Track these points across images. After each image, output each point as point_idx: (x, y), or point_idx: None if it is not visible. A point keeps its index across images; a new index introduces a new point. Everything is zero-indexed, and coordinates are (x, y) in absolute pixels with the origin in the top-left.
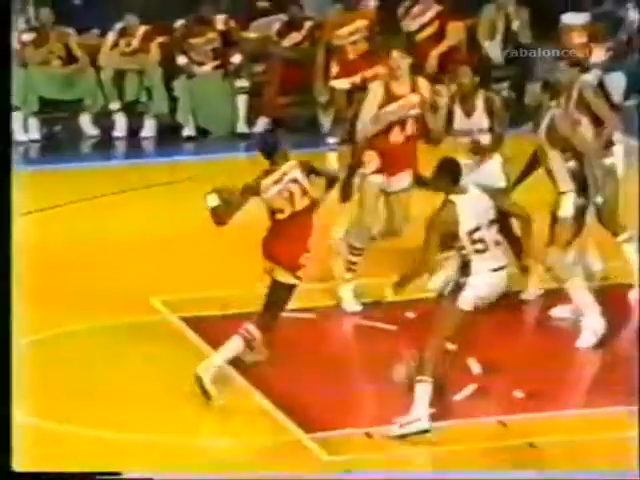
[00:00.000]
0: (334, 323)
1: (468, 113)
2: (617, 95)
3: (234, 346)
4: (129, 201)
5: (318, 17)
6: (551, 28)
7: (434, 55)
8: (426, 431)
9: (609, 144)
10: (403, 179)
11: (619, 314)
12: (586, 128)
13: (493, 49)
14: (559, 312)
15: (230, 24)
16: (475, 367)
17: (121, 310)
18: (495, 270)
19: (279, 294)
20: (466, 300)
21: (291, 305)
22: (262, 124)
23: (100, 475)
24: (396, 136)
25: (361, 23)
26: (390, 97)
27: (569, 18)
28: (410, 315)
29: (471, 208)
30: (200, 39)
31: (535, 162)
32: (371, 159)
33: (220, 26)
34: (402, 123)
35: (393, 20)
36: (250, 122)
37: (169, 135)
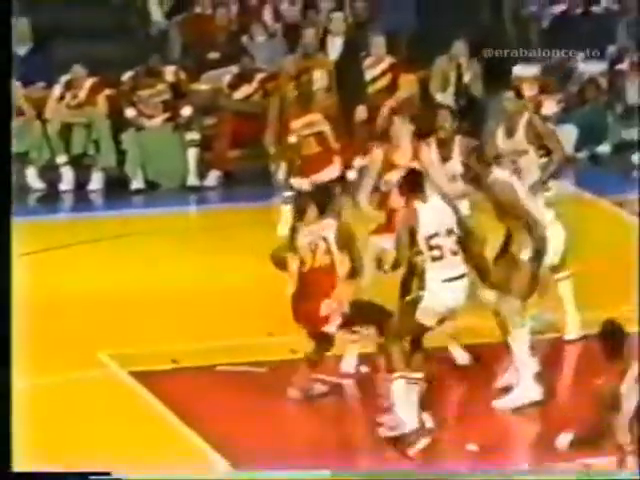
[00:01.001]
0: (285, 377)
1: (445, 159)
2: (568, 147)
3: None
4: (77, 255)
5: (270, 68)
6: (503, 80)
7: (386, 108)
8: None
9: (555, 175)
10: None
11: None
12: (532, 159)
13: (445, 101)
14: (506, 380)
15: (180, 76)
16: (428, 422)
17: (69, 364)
18: (450, 280)
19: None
20: (423, 313)
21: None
22: (213, 177)
23: (92, 475)
24: (395, 201)
25: (318, 73)
26: (390, 166)
27: (520, 70)
28: (364, 369)
29: (431, 215)
30: (149, 91)
31: None
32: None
33: (170, 78)
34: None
35: (353, 71)
36: (201, 175)
37: (118, 188)
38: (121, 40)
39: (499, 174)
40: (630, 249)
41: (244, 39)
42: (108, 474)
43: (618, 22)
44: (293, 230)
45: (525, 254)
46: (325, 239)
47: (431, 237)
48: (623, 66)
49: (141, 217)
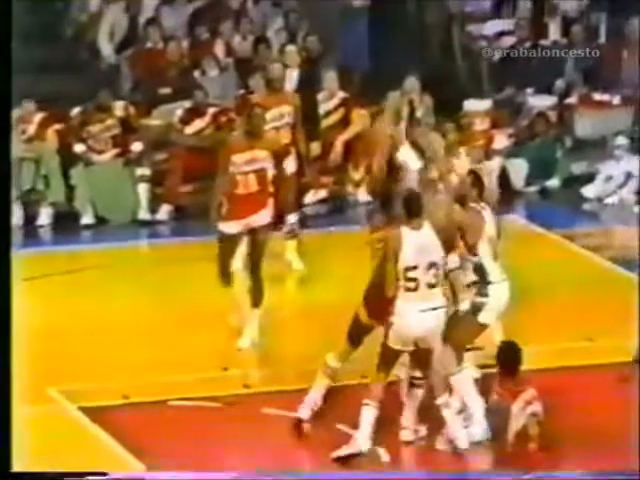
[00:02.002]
0: (238, 412)
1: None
2: (519, 181)
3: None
4: (27, 290)
5: (223, 103)
6: (455, 115)
7: (339, 142)
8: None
9: None
10: None
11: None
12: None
13: (398, 136)
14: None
15: (130, 111)
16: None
17: (18, 399)
18: (423, 311)
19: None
20: (394, 338)
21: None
22: (164, 211)
23: (89, 475)
24: None
25: (286, 108)
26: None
27: (472, 105)
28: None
29: (414, 247)
30: (99, 126)
31: None
32: None
33: (119, 113)
34: None
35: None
36: (152, 209)
37: (67, 223)
38: (71, 75)
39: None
40: (580, 282)
41: (196, 74)
42: (104, 474)
43: (566, 56)
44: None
45: (465, 305)
46: None
47: (408, 269)
48: (572, 100)
49: (91, 252)
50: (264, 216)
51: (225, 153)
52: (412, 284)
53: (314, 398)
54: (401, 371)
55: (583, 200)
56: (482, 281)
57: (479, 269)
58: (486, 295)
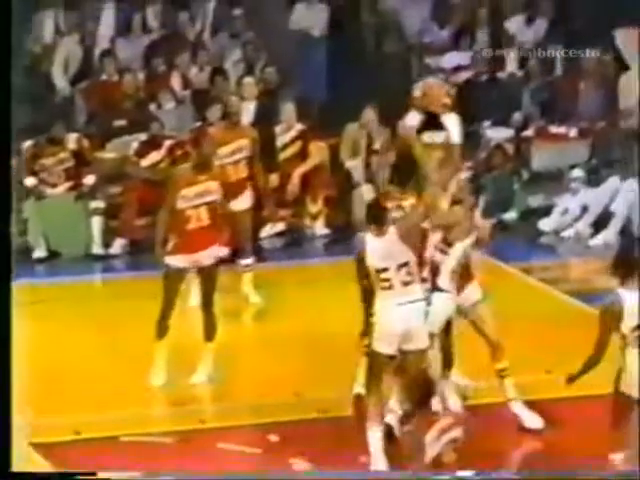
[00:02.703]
0: (193, 447)
1: None
2: (477, 214)
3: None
4: None
5: (179, 135)
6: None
7: (297, 175)
8: None
9: None
10: None
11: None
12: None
13: (357, 169)
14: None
15: (83, 143)
16: None
17: None
18: (401, 304)
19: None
20: (379, 341)
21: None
22: (118, 245)
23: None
24: None
25: (244, 142)
26: None
27: (429, 137)
28: (273, 438)
29: (380, 251)
30: (51, 159)
31: None
32: None
33: (72, 146)
34: None
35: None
36: (106, 243)
37: (20, 257)
38: (24, 107)
39: None
40: (537, 315)
41: (152, 106)
42: (94, 474)
43: (523, 88)
44: None
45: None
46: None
47: (379, 271)
48: (529, 132)
49: (44, 286)
50: (216, 250)
51: (173, 186)
52: (386, 284)
53: None
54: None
55: (540, 233)
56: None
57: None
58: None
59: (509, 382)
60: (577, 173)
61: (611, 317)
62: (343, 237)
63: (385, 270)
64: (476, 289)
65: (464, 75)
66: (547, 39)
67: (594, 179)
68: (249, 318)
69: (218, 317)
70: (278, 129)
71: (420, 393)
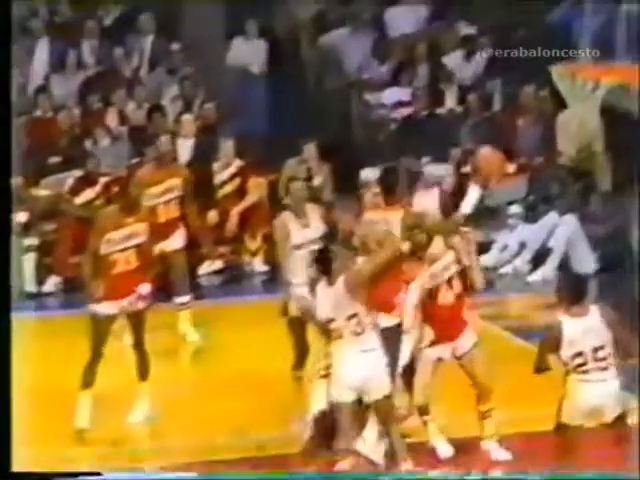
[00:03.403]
0: None
1: None
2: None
3: None
4: None
5: (115, 172)
6: (352, 183)
7: (235, 212)
8: None
9: None
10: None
11: None
12: None
13: (313, 210)
14: None
15: (17, 181)
16: None
17: None
18: (354, 354)
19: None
20: (335, 393)
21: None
22: (52, 283)
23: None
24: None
25: (175, 181)
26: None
27: (368, 173)
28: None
29: (327, 300)
30: None
31: None
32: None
33: None
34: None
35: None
36: (39, 281)
37: None
38: None
39: None
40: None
41: (87, 143)
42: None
43: (462, 124)
44: None
45: None
46: None
47: (328, 322)
48: (467, 168)
49: None
50: (146, 292)
51: (98, 230)
52: (336, 334)
53: None
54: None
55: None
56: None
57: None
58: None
59: (489, 422)
60: (515, 209)
61: (551, 341)
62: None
63: (332, 321)
64: (470, 335)
65: (404, 111)
66: (485, 75)
67: (532, 215)
68: (187, 356)
69: (157, 355)
70: (217, 166)
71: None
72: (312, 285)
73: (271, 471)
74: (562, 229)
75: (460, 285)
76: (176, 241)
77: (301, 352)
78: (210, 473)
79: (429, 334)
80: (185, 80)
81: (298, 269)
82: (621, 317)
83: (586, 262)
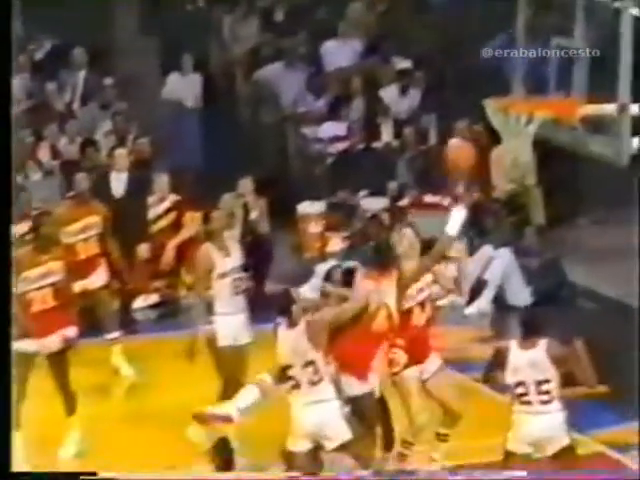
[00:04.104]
0: None
1: None
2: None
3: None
4: None
5: (46, 207)
6: (289, 217)
7: (171, 246)
8: None
9: None
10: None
11: None
12: None
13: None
14: None
15: None
16: None
17: None
18: (307, 404)
19: None
20: (289, 442)
21: None
22: None
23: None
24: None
25: (93, 219)
26: None
27: (305, 207)
28: None
29: (287, 343)
30: None
31: None
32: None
33: None
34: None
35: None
36: None
37: None
38: None
39: None
40: None
41: (19, 178)
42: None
43: (398, 158)
44: None
45: None
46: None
47: (285, 368)
48: (404, 202)
49: None
50: (63, 333)
51: (15, 268)
52: (292, 382)
53: None
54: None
55: None
56: None
57: None
58: None
59: (444, 447)
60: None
61: (499, 356)
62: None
63: (290, 368)
64: (436, 359)
65: (340, 145)
66: (421, 109)
67: (468, 248)
68: (120, 391)
69: (90, 390)
70: (151, 200)
71: None
72: (274, 328)
73: None
74: (497, 262)
75: (431, 309)
76: (98, 278)
77: (229, 383)
78: (210, 473)
79: (402, 357)
80: (118, 115)
81: (223, 298)
82: (571, 350)
83: (521, 295)
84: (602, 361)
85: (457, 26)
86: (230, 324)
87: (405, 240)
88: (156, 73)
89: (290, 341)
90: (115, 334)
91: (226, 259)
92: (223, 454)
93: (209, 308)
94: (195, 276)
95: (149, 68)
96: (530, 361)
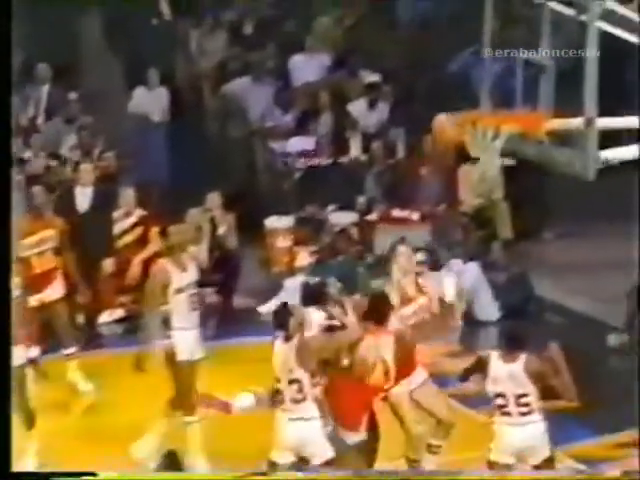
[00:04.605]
0: None
1: None
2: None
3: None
4: None
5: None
6: (257, 232)
7: (137, 262)
8: None
9: None
10: None
11: None
12: None
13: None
14: None
15: None
16: None
17: None
18: (291, 420)
19: None
20: (273, 454)
21: None
22: None
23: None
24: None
25: (49, 232)
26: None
27: (273, 222)
28: None
29: (280, 356)
30: None
31: None
32: None
33: None
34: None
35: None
36: None
37: None
38: None
39: None
40: None
41: None
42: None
43: (366, 172)
44: None
45: None
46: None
47: (276, 380)
48: (372, 216)
49: None
50: (31, 352)
51: None
52: (279, 397)
53: None
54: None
55: None
56: None
57: None
58: None
59: (434, 459)
60: (419, 257)
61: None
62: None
63: (278, 382)
64: (422, 372)
65: (308, 160)
66: (389, 123)
67: (436, 263)
68: (78, 407)
69: (47, 406)
70: (117, 215)
71: None
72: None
73: None
74: (465, 277)
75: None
76: (54, 291)
77: (179, 396)
78: (210, 473)
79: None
80: (83, 129)
81: (180, 313)
82: (550, 365)
83: (489, 310)
84: (570, 375)
85: (424, 40)
86: (187, 339)
87: (401, 257)
88: (122, 87)
89: (282, 355)
90: (72, 349)
91: (183, 274)
92: (171, 469)
93: (166, 323)
94: (151, 291)
95: (115, 82)
96: (510, 374)
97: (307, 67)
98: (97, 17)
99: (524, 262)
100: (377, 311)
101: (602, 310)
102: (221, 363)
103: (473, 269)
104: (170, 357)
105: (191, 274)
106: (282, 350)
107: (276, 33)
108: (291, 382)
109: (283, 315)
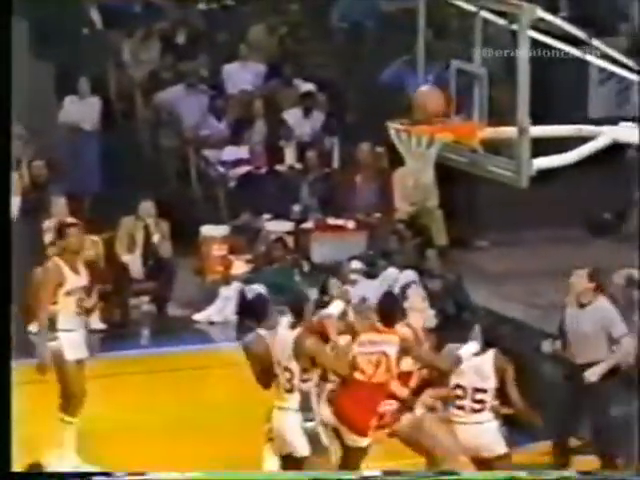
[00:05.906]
0: None
1: None
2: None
3: None
4: None
5: None
6: (192, 241)
7: None
8: None
9: None
10: None
11: None
12: None
13: (133, 263)
14: None
15: None
16: None
17: None
18: (279, 409)
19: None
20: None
21: None
22: None
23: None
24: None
25: None
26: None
27: (208, 230)
28: None
29: (280, 341)
30: None
31: None
32: None
33: None
34: None
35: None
36: None
37: None
38: None
39: None
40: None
41: None
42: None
43: (301, 181)
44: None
45: None
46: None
47: (278, 363)
48: (308, 225)
49: None
50: None
51: None
52: (276, 380)
53: None
54: None
55: None
56: None
57: None
58: None
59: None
60: (355, 265)
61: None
62: (119, 332)
63: (278, 364)
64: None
65: (243, 168)
66: (324, 131)
67: (372, 270)
68: None
69: None
70: (47, 224)
71: None
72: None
73: None
74: (402, 284)
75: None
76: None
77: (70, 395)
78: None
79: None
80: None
81: (67, 315)
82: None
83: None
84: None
85: (359, 49)
86: (73, 340)
87: (414, 297)
88: (52, 96)
89: (282, 341)
90: None
91: (75, 277)
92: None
93: (52, 324)
94: (43, 285)
95: (44, 91)
96: (475, 367)
97: (241, 75)
98: (22, 28)
99: (459, 269)
100: (387, 312)
101: (536, 317)
102: (156, 372)
103: (410, 277)
104: (58, 358)
105: (82, 278)
106: (285, 335)
107: (209, 42)
108: (285, 369)
109: (299, 301)
